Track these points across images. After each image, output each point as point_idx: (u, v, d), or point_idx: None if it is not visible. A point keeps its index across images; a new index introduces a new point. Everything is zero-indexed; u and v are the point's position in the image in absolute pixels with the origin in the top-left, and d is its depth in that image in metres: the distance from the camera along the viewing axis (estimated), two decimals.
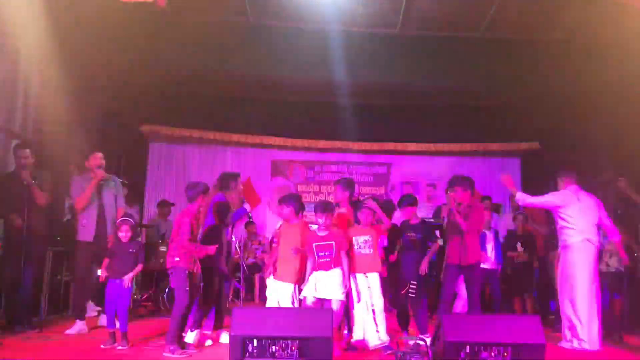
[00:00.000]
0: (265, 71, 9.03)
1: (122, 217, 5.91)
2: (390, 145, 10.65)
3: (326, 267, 5.32)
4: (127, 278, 5.38)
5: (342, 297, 5.30)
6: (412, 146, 10.62)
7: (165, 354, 4.97)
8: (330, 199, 7.01)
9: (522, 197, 6.21)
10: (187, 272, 5.11)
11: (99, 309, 7.29)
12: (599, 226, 6.08)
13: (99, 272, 7.39)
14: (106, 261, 5.50)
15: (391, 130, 10.53)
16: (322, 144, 10.65)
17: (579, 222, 5.98)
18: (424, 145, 10.60)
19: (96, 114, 8.91)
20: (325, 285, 5.29)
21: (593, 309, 5.81)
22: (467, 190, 5.90)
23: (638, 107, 7.86)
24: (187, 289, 5.08)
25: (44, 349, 5.07)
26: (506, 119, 10.00)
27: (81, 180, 6.30)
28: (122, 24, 7.43)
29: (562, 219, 6.07)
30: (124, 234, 5.49)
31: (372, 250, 5.57)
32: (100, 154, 6.33)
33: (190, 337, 5.32)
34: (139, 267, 5.51)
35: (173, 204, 9.24)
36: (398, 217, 6.71)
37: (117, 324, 5.36)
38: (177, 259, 5.12)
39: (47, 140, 6.89)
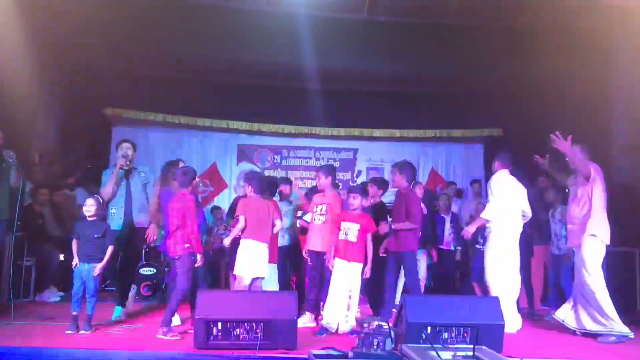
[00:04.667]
0: (232, 54, 8.98)
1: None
2: (356, 131, 10.70)
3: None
4: (99, 267, 5.34)
5: None
6: (377, 132, 10.69)
7: (158, 336, 5.00)
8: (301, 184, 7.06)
9: (487, 215, 6.13)
10: (194, 257, 5.21)
11: (62, 293, 7.25)
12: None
13: (62, 257, 7.37)
14: (75, 243, 5.39)
15: (357, 116, 10.58)
16: (288, 129, 10.64)
17: (509, 206, 6.13)
18: (389, 131, 10.68)
19: (58, 97, 8.75)
20: None
21: (514, 291, 6.03)
22: (402, 174, 5.96)
23: (600, 94, 8.08)
24: (191, 274, 5.18)
25: (6, 335, 4.99)
26: (470, 106, 10.13)
27: (109, 171, 6.22)
28: (86, 6, 7.30)
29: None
30: (87, 208, 5.42)
31: (357, 239, 5.57)
32: (127, 144, 6.26)
33: (177, 319, 5.44)
34: (110, 250, 5.44)
35: None
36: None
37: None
38: (187, 245, 5.18)
39: (8, 123, 6.73)
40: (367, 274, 5.64)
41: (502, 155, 6.47)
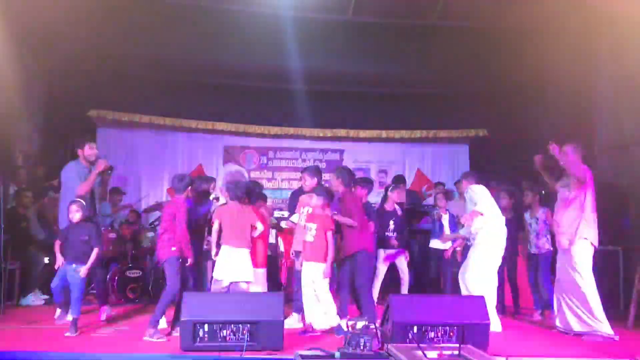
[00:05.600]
0: (217, 55, 8.95)
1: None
2: (343, 132, 10.71)
3: None
4: (85, 269, 5.32)
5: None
6: (363, 133, 10.72)
7: (145, 337, 5.01)
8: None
9: (480, 209, 6.24)
10: (180, 260, 5.25)
11: (46, 297, 7.18)
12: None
13: (46, 260, 7.30)
14: (58, 244, 5.39)
15: (343, 117, 10.61)
16: (274, 130, 10.62)
17: (492, 210, 6.22)
18: (375, 132, 10.71)
19: (42, 99, 8.68)
20: None
21: (494, 292, 6.09)
22: (338, 179, 5.99)
23: (583, 95, 8.18)
24: (179, 276, 5.21)
25: None
26: (455, 106, 10.18)
27: (75, 166, 6.08)
28: (69, 7, 7.24)
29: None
30: (73, 214, 5.40)
31: (314, 238, 5.59)
32: (95, 144, 6.23)
33: (163, 322, 5.45)
34: (95, 252, 5.42)
35: (124, 193, 9.11)
36: None
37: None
38: (173, 248, 5.23)
39: None
40: (326, 274, 5.59)
41: (466, 174, 6.79)
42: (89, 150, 6.11)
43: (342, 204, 5.89)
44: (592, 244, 5.72)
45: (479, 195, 6.27)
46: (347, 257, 5.83)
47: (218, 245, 5.55)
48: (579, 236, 5.69)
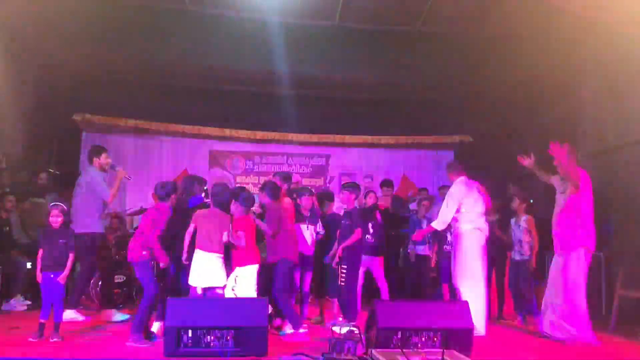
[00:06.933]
0: (204, 60, 8.94)
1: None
2: (329, 137, 10.75)
3: None
4: (63, 276, 5.26)
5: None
6: (349, 138, 10.75)
7: (128, 343, 4.98)
8: None
9: (438, 224, 6.42)
10: (151, 263, 5.26)
11: (29, 302, 7.11)
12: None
13: (29, 265, 7.23)
14: (41, 252, 5.32)
15: (329, 122, 10.64)
16: (261, 135, 10.62)
17: (470, 211, 6.27)
18: (361, 138, 10.76)
19: (27, 102, 8.61)
20: None
21: (481, 294, 6.13)
22: (263, 192, 6.05)
23: (567, 101, 8.26)
24: (155, 279, 5.21)
25: None
26: (440, 112, 10.25)
27: (99, 174, 6.55)
28: (55, 10, 7.22)
29: (457, 210, 6.32)
30: (54, 219, 5.35)
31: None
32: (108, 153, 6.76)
33: (155, 327, 5.44)
34: (71, 258, 5.36)
35: None
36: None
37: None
38: (144, 252, 5.21)
39: None
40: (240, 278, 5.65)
41: (451, 165, 6.79)
42: (104, 159, 6.61)
43: (267, 214, 6.02)
44: (589, 249, 5.73)
45: (448, 198, 6.38)
46: (267, 265, 5.88)
47: (190, 248, 5.48)
48: (577, 244, 5.71)
